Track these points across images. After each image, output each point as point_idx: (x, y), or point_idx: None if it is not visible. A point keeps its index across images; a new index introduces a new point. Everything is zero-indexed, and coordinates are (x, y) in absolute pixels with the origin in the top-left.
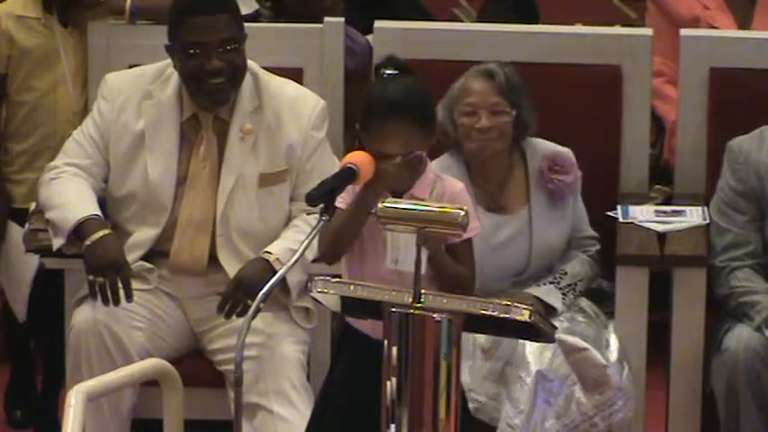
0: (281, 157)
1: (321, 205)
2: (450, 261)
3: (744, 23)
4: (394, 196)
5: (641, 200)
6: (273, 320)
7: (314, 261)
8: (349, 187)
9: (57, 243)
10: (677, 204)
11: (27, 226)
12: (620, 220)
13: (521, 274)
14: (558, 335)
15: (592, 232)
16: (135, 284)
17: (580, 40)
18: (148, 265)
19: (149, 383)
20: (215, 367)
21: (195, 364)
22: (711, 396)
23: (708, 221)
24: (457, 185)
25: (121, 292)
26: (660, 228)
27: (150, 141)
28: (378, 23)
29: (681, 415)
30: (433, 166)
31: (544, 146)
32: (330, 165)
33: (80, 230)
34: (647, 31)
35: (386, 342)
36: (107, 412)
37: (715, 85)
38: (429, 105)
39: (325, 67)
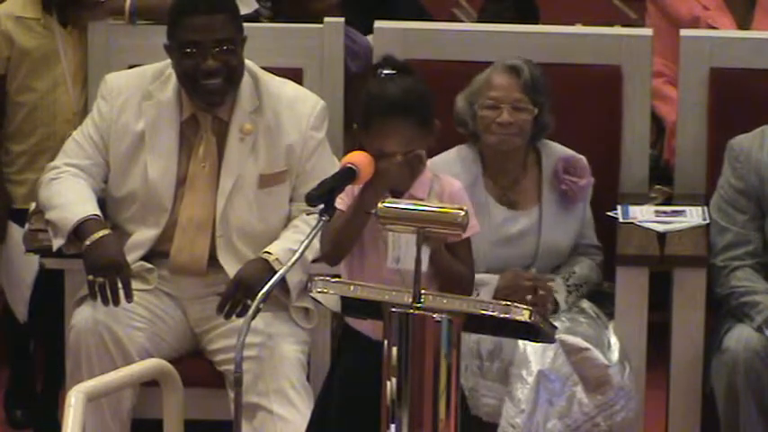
0: (281, 157)
1: (321, 205)
2: (450, 259)
3: (744, 24)
4: (393, 196)
5: (641, 200)
6: (273, 320)
7: (314, 261)
8: (348, 188)
9: (57, 243)
10: (677, 204)
11: (27, 226)
12: (620, 220)
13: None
14: (560, 335)
15: (597, 242)
16: (135, 284)
17: (580, 40)
18: (148, 266)
19: (149, 383)
20: (215, 367)
21: (195, 364)
22: (711, 396)
23: (708, 221)
24: (455, 184)
25: (121, 293)
26: (660, 228)
27: (150, 142)
28: (378, 23)
29: (681, 415)
30: (446, 157)
31: (560, 149)
32: (330, 165)
33: (80, 230)
34: (647, 32)
35: (386, 342)
36: (107, 412)
37: (715, 85)
38: (428, 104)
39: (326, 67)
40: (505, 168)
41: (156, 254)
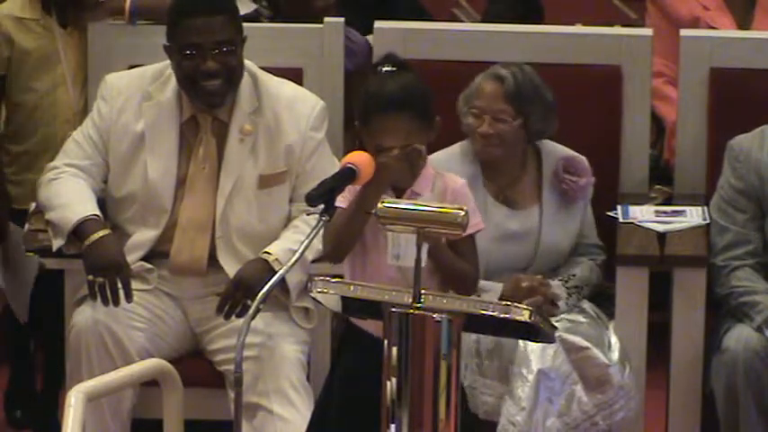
0: (281, 158)
1: (321, 205)
2: (451, 256)
3: (744, 24)
4: (395, 192)
5: (641, 200)
6: (273, 320)
7: (314, 261)
8: (350, 187)
9: (56, 243)
10: (677, 204)
11: (27, 226)
12: (621, 220)
13: (524, 271)
14: (561, 334)
15: (599, 241)
16: (135, 285)
17: (580, 40)
18: (148, 266)
19: (149, 383)
20: (215, 367)
21: (195, 364)
22: (711, 396)
23: (708, 221)
24: (458, 181)
25: (121, 293)
26: (660, 228)
27: (150, 142)
28: (378, 23)
29: (681, 415)
30: (448, 152)
31: (560, 149)
32: (330, 165)
33: (80, 231)
34: (647, 32)
35: (386, 342)
36: (107, 412)
37: (715, 85)
38: (427, 100)
39: (325, 67)
40: (501, 170)
41: (156, 254)
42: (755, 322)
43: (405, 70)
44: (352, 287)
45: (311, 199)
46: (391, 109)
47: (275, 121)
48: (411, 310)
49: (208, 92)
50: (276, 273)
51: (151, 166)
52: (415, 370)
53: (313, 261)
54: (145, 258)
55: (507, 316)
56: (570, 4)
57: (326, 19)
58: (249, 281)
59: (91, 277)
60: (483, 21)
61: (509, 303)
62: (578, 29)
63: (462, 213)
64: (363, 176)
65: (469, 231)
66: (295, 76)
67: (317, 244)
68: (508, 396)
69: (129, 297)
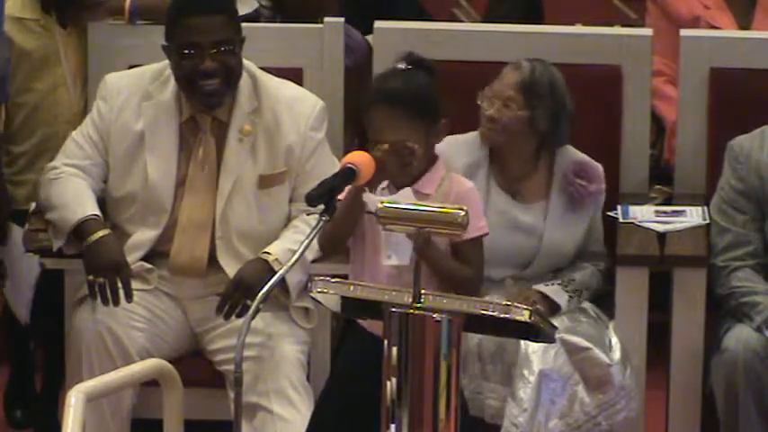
0: (280, 158)
1: (321, 205)
2: (441, 256)
3: (744, 23)
4: (398, 189)
5: (641, 200)
6: (273, 320)
7: (314, 261)
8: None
9: (56, 244)
10: (677, 204)
11: (26, 226)
12: (621, 220)
13: (525, 267)
14: (562, 334)
15: (604, 249)
16: (135, 285)
17: (580, 40)
18: (148, 266)
19: (149, 383)
20: (215, 367)
21: (195, 364)
22: (711, 396)
23: (708, 222)
24: (465, 184)
25: (121, 293)
26: (660, 228)
27: (150, 142)
28: (378, 23)
29: (681, 415)
30: (457, 137)
31: (576, 153)
32: (329, 165)
33: (80, 231)
34: (647, 31)
35: (386, 342)
36: (107, 412)
37: (715, 85)
38: (429, 101)
39: (325, 67)
40: (509, 162)
41: (156, 254)
42: (755, 322)
43: (420, 70)
44: (352, 287)
45: (311, 199)
46: (385, 103)
47: (275, 121)
48: (411, 310)
49: (206, 92)
50: (276, 273)
51: (151, 165)
52: (415, 370)
53: (313, 261)
54: (145, 258)
55: (507, 316)
56: (570, 4)
57: (326, 19)
58: (249, 281)
59: (91, 277)
60: (484, 21)
61: (509, 303)
62: (578, 29)
63: (462, 213)
64: (363, 176)
65: (472, 235)
66: (295, 76)
67: (317, 244)
68: (510, 398)
69: (129, 297)
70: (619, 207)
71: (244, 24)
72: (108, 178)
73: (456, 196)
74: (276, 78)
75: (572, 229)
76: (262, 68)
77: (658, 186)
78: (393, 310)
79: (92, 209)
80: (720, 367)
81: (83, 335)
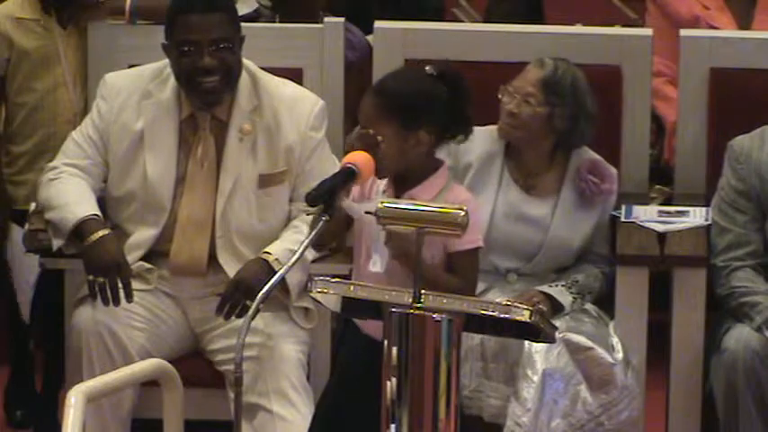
0: (280, 157)
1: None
2: (428, 269)
3: (744, 23)
4: (396, 196)
5: (641, 200)
6: (273, 320)
7: (314, 261)
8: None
9: (56, 243)
10: (678, 204)
11: (26, 226)
12: (623, 219)
13: (529, 260)
14: (565, 334)
15: (608, 253)
16: (135, 284)
17: (580, 40)
18: (148, 266)
19: (149, 383)
20: (215, 367)
21: (195, 364)
22: (711, 396)
23: (710, 222)
24: (462, 195)
25: (121, 293)
26: (660, 228)
27: (149, 140)
28: (378, 23)
29: (681, 415)
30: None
31: (592, 154)
32: (330, 165)
33: (80, 230)
34: (647, 31)
35: (386, 342)
36: (107, 412)
37: (715, 85)
38: (412, 104)
39: (326, 68)
40: (525, 158)
41: (155, 254)
42: (755, 322)
43: (439, 80)
44: (352, 287)
45: (311, 199)
46: (372, 91)
47: (275, 120)
48: (411, 310)
49: (205, 89)
50: (276, 273)
51: (150, 163)
52: (415, 370)
53: (313, 261)
54: (144, 258)
55: (507, 316)
56: (570, 4)
57: (326, 19)
58: (249, 281)
59: (91, 277)
60: (484, 21)
61: (509, 303)
62: (578, 29)
63: (462, 213)
64: (363, 176)
65: (465, 246)
66: (295, 76)
67: None
68: (513, 398)
69: (129, 297)
70: (623, 206)
71: (244, 24)
72: (108, 177)
73: None
74: (277, 78)
75: (579, 225)
76: (262, 68)
77: (658, 186)
78: (393, 310)
79: (92, 209)
80: (720, 367)
81: (83, 335)
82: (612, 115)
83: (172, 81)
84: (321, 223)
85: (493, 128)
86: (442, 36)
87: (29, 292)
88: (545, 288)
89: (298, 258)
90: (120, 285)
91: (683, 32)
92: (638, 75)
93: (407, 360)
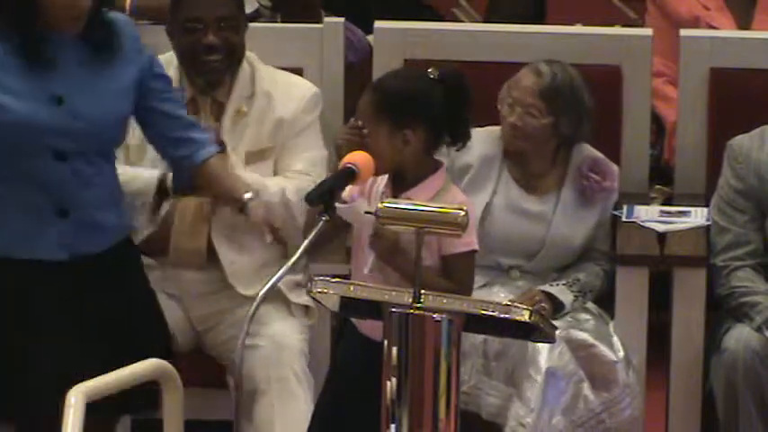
0: (268, 135)
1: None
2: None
3: (744, 23)
4: (393, 195)
5: (641, 200)
6: (274, 310)
7: (313, 262)
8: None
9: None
10: (678, 204)
11: None
12: (623, 219)
13: (532, 258)
14: (567, 331)
15: (610, 251)
16: None
17: (580, 40)
18: (148, 260)
19: (149, 383)
20: (215, 366)
21: (195, 364)
22: (711, 396)
23: (710, 222)
24: (459, 198)
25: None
26: (660, 228)
27: None
28: (378, 23)
29: (681, 415)
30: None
31: (593, 151)
32: (315, 147)
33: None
34: (647, 31)
35: (386, 342)
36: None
37: (715, 85)
38: (402, 102)
39: (326, 67)
40: (527, 162)
41: (155, 250)
42: (755, 322)
43: (438, 83)
44: (352, 287)
45: (311, 199)
46: (369, 88)
47: (268, 101)
48: (411, 310)
49: (209, 68)
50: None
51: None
52: (415, 370)
53: (313, 261)
54: (144, 253)
55: (507, 316)
56: (570, 4)
57: (326, 19)
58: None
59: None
60: (484, 21)
61: (509, 303)
62: (578, 29)
63: (462, 213)
64: (363, 176)
65: (459, 249)
66: None
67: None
68: (516, 397)
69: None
70: (624, 206)
71: None
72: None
73: None
74: (275, 69)
75: (580, 223)
76: None
77: (658, 186)
78: (393, 310)
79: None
80: (720, 367)
81: None
82: (612, 115)
83: (174, 65)
84: (321, 223)
85: (492, 129)
86: (442, 36)
87: None
88: (546, 287)
89: (297, 259)
90: None
91: (683, 32)
92: (638, 75)
93: (407, 360)
